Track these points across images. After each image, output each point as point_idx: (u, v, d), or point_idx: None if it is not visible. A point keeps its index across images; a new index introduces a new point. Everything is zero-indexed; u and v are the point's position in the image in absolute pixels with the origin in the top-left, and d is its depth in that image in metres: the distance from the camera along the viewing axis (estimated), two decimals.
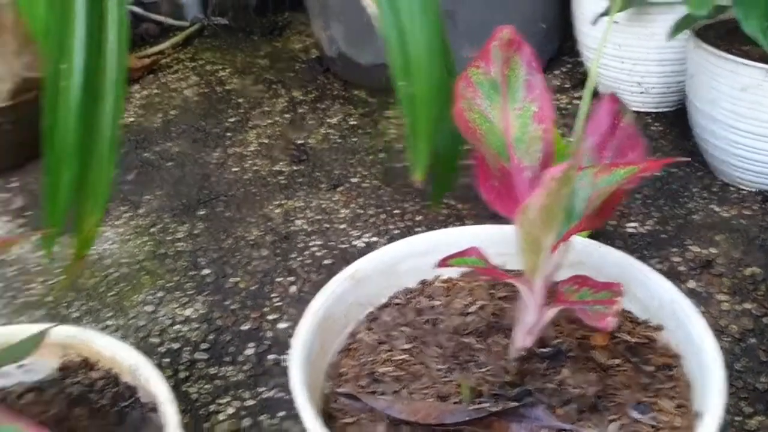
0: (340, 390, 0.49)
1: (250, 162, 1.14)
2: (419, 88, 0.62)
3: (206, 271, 0.90)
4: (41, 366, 0.51)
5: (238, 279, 0.88)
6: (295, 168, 1.12)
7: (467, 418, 0.44)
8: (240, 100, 1.36)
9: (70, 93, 0.58)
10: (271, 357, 0.76)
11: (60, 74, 0.57)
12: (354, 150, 1.16)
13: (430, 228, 0.83)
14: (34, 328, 0.49)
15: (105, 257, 0.93)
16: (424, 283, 0.60)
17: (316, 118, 1.27)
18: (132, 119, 1.30)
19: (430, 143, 0.63)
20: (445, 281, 0.60)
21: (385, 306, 0.58)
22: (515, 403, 0.45)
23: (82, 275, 0.89)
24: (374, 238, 0.94)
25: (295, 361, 0.47)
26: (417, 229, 0.94)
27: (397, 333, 0.54)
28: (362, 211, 1.00)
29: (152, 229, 0.99)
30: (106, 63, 0.60)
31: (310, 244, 0.94)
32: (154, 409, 0.46)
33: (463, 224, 0.93)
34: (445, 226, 0.65)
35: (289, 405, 0.69)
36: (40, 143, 0.59)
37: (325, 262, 0.90)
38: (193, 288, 0.87)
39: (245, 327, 0.80)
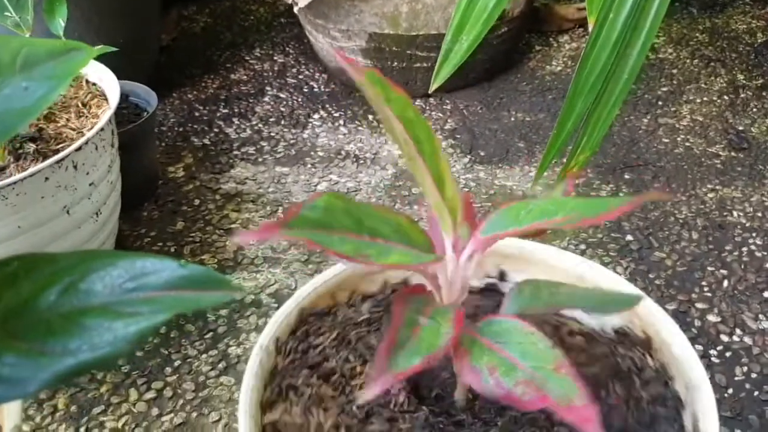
0: None
1: (682, 136, 1.07)
2: None
3: (630, 238, 0.86)
4: (609, 317, 0.46)
5: (664, 255, 0.83)
6: (733, 154, 1.02)
7: None
8: (674, 71, 1.27)
9: (614, 26, 0.57)
10: (697, 348, 0.71)
11: (612, 6, 0.56)
12: None
13: None
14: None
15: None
16: None
17: (761, 106, 1.15)
18: (560, 68, 1.30)
19: None
20: None
21: None
22: None
23: None
24: None
25: None
26: None
27: None
28: None
29: (576, 182, 0.98)
30: (650, 4, 0.58)
31: (749, 240, 0.85)
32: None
33: None
34: None
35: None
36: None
37: (766, 265, 0.81)
38: (615, 250, 0.84)
39: (670, 306, 0.76)
